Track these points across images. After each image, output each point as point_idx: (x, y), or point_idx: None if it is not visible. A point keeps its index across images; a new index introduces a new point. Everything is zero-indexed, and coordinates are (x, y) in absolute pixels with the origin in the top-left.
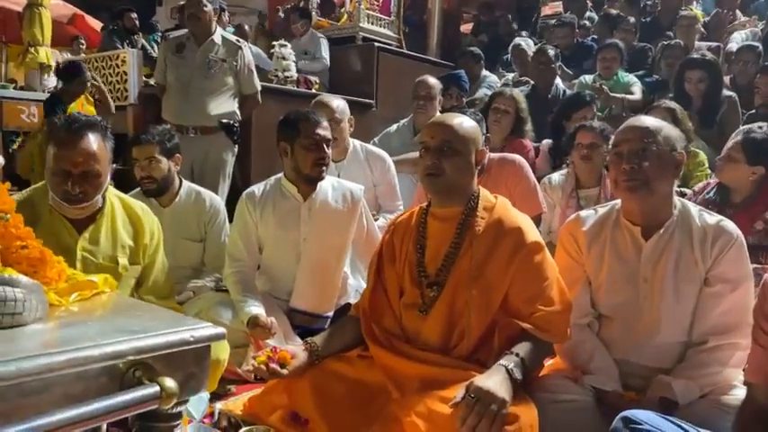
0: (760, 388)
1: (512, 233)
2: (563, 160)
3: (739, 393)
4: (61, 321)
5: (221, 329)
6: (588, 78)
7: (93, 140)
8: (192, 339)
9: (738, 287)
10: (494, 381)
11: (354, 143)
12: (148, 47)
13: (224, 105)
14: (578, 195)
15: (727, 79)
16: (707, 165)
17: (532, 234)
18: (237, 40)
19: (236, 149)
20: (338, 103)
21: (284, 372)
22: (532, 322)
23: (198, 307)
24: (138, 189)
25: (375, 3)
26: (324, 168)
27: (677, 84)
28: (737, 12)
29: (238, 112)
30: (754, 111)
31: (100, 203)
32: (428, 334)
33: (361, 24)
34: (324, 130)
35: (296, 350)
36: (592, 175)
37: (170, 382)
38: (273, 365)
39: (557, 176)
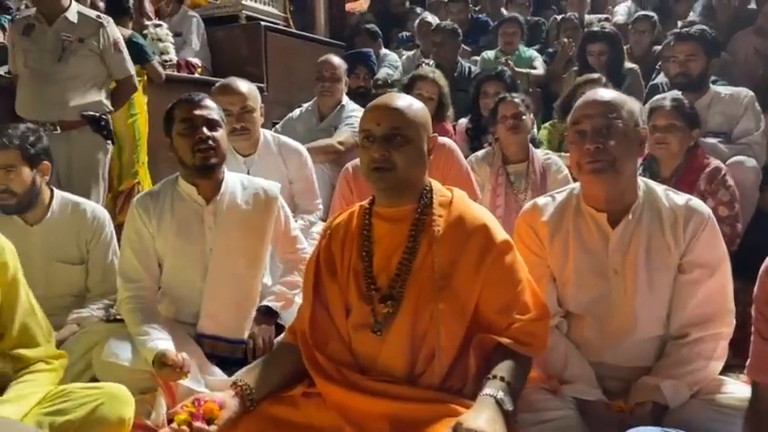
0: None
1: (477, 232)
2: (481, 141)
3: (734, 391)
4: None
5: None
6: (490, 54)
7: None
8: None
9: (716, 271)
10: (485, 418)
11: (265, 134)
12: None
13: (87, 95)
14: (507, 171)
15: None
16: None
17: (500, 231)
18: (98, 16)
19: (109, 147)
20: (249, 87)
21: (212, 429)
22: (511, 335)
23: (86, 344)
24: None
25: None
26: (209, 154)
27: (580, 57)
28: None
29: (108, 102)
30: (665, 81)
31: None
32: (387, 360)
33: (243, 2)
34: (202, 110)
35: (224, 397)
36: (519, 149)
37: None
38: (198, 424)
39: (482, 153)
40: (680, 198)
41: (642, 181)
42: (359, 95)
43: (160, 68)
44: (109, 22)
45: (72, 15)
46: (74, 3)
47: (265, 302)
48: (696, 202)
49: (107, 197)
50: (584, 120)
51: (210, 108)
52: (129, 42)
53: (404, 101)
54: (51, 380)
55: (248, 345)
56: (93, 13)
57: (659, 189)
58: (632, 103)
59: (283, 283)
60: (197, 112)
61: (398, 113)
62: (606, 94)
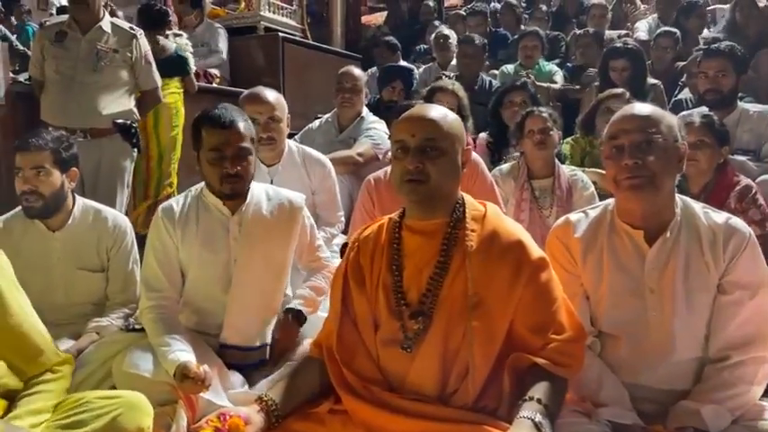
0: None
1: (513, 248)
2: (502, 154)
3: None
4: None
5: None
6: (510, 68)
7: None
8: None
9: (758, 293)
10: None
11: (290, 145)
12: (11, 37)
13: (118, 103)
14: (532, 186)
15: None
16: None
17: (535, 248)
18: (131, 28)
19: (135, 154)
20: (277, 97)
21: None
22: (547, 356)
23: (105, 354)
24: (19, 209)
25: None
26: (236, 186)
27: (602, 72)
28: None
29: (136, 110)
30: (690, 96)
31: None
32: (417, 378)
33: (262, 13)
34: (232, 139)
35: (249, 412)
36: (545, 164)
37: None
38: None
39: (507, 167)
40: (719, 216)
41: (680, 198)
42: (386, 108)
43: (195, 80)
44: (141, 34)
45: (106, 26)
46: (107, 14)
47: (294, 305)
48: (736, 220)
49: (142, 206)
50: (622, 134)
51: (242, 134)
52: (176, 55)
53: (438, 112)
54: (60, 388)
55: (272, 347)
56: (125, 25)
57: (697, 207)
58: (671, 118)
59: (311, 287)
60: (227, 142)
61: (433, 124)
62: (644, 108)
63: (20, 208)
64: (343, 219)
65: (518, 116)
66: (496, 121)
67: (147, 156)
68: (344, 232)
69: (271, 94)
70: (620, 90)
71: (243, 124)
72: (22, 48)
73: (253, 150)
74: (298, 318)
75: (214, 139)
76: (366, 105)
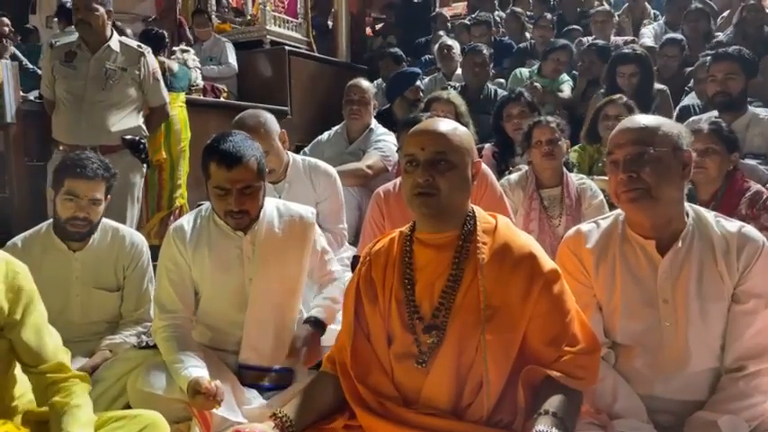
0: None
1: (525, 261)
2: (509, 164)
3: None
4: None
5: None
6: (525, 72)
7: None
8: None
9: None
10: None
11: (295, 159)
12: (22, 57)
13: (127, 120)
14: (540, 196)
15: None
16: None
17: (547, 260)
18: (139, 46)
19: (144, 169)
20: (264, 119)
21: None
22: (561, 369)
23: (119, 371)
24: (37, 228)
25: (280, 4)
26: (240, 221)
27: (609, 78)
28: (647, 5)
29: (144, 126)
30: (697, 102)
31: None
32: (432, 392)
33: (268, 27)
34: (236, 177)
35: (264, 429)
36: (554, 173)
37: None
38: None
39: (515, 177)
40: (732, 225)
41: (691, 207)
42: (410, 106)
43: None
44: (149, 51)
45: (114, 45)
46: (115, 33)
47: (313, 314)
48: (749, 229)
49: (156, 217)
50: (616, 149)
51: (249, 171)
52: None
53: (448, 125)
54: (87, 398)
55: (300, 351)
56: (133, 43)
57: (709, 216)
58: (670, 127)
59: (326, 297)
60: (231, 181)
61: (443, 138)
62: (640, 120)
63: (38, 227)
64: (345, 233)
65: (520, 127)
66: (499, 132)
67: (159, 167)
68: (353, 244)
69: (254, 118)
70: (616, 96)
71: (251, 159)
72: (32, 66)
73: (261, 184)
74: (317, 326)
75: (219, 176)
76: (375, 117)
